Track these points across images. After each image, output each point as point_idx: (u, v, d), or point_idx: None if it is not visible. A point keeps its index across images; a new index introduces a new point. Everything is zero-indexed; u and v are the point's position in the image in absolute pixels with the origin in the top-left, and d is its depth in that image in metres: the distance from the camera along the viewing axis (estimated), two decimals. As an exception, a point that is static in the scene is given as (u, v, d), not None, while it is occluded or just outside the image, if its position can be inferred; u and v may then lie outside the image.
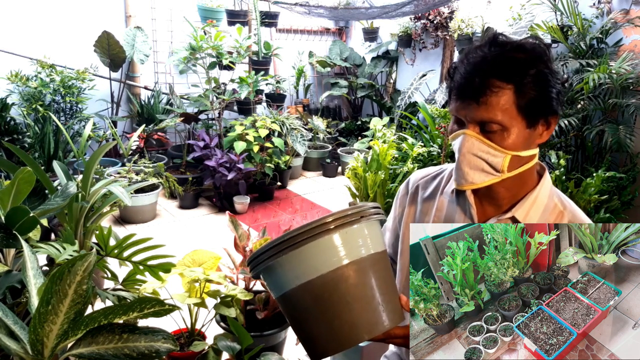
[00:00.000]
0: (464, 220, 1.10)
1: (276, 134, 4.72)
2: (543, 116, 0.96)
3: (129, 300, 1.17)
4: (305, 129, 5.10)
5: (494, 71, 0.92)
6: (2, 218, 1.37)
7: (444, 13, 5.06)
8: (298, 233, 0.81)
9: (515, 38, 0.98)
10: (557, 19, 3.74)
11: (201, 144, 4.38)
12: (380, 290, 0.86)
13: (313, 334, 0.86)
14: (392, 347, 1.34)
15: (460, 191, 1.11)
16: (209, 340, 2.04)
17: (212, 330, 2.13)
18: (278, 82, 4.94)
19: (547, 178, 1.07)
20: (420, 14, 5.17)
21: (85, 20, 4.65)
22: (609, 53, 3.46)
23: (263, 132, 4.34)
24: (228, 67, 4.48)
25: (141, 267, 1.74)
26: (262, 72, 4.74)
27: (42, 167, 3.16)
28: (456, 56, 5.19)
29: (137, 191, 3.83)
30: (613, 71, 3.10)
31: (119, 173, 3.82)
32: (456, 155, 1.00)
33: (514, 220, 1.03)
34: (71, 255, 1.58)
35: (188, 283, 1.97)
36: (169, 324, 2.06)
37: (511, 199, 1.05)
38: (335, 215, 0.83)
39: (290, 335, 2.29)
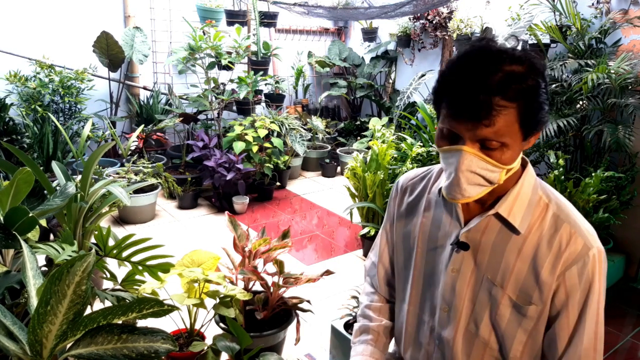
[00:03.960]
0: (450, 220, 1.11)
1: (275, 134, 4.72)
2: (536, 128, 0.95)
3: (128, 301, 1.17)
4: (305, 129, 5.10)
5: (497, 90, 0.87)
6: (1, 218, 1.37)
7: (443, 13, 5.06)
8: None
9: (506, 45, 0.97)
10: (555, 19, 3.74)
11: (200, 144, 4.38)
12: None
13: None
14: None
15: None
16: (208, 341, 2.04)
17: (211, 331, 2.13)
18: (277, 82, 4.94)
19: (529, 170, 1.06)
20: (419, 14, 5.17)
21: (84, 20, 4.65)
22: (608, 53, 3.46)
23: (262, 132, 4.34)
24: (227, 67, 4.48)
25: (140, 268, 1.74)
26: (261, 72, 4.74)
27: (41, 168, 3.16)
28: (455, 56, 5.19)
29: (136, 191, 3.83)
30: (612, 71, 3.10)
31: (118, 173, 3.82)
32: (450, 171, 0.97)
33: (498, 216, 1.03)
34: (70, 256, 1.58)
35: (187, 283, 1.97)
36: (168, 324, 2.05)
37: (495, 196, 1.05)
38: None
39: (289, 335, 2.29)
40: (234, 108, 4.81)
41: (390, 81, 6.04)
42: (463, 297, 1.08)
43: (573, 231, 0.99)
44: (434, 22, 5.16)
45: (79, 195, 2.15)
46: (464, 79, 0.89)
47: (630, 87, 3.25)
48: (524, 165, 1.06)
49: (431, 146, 3.70)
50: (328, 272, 2.15)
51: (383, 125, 5.21)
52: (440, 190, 1.12)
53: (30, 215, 1.34)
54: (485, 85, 0.87)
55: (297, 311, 2.17)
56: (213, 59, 4.44)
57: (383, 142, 3.64)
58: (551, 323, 1.02)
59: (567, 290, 0.98)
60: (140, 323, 1.43)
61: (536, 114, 0.92)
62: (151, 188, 3.99)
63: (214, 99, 4.57)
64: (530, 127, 0.93)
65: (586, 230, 1.00)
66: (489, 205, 1.06)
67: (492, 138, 0.90)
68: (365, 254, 3.62)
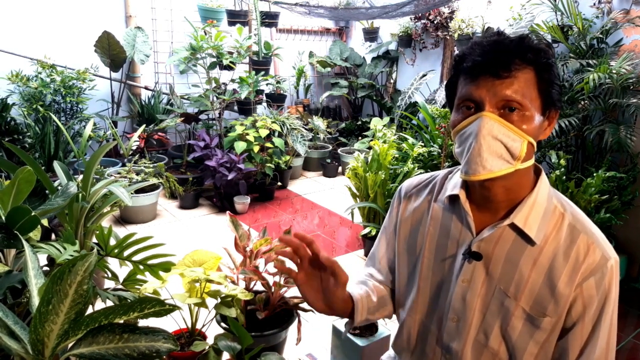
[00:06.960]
0: (461, 229, 1.06)
1: (276, 134, 4.72)
2: (553, 106, 0.96)
3: (129, 300, 1.17)
4: (306, 129, 5.10)
5: (516, 52, 0.91)
6: (3, 218, 1.38)
7: (444, 13, 5.06)
8: None
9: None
10: (557, 19, 3.74)
11: (201, 144, 4.39)
12: None
13: None
14: (390, 350, 1.34)
15: (454, 199, 1.08)
16: (210, 340, 2.04)
17: (213, 330, 2.13)
18: (278, 82, 4.95)
19: (544, 179, 1.03)
20: (420, 14, 5.17)
21: (86, 20, 4.65)
22: (610, 53, 3.46)
23: (263, 132, 4.34)
24: (228, 67, 4.48)
25: (141, 267, 1.74)
26: (262, 72, 4.74)
27: (43, 167, 3.17)
28: (456, 56, 5.18)
29: (138, 191, 3.83)
30: (613, 71, 3.10)
31: (119, 173, 3.82)
32: (469, 143, 0.93)
33: (514, 226, 0.99)
34: (72, 256, 1.58)
35: (188, 283, 1.97)
36: (170, 324, 2.05)
37: (508, 203, 1.01)
38: None
39: (290, 335, 2.29)
40: (235, 108, 4.81)
41: (392, 81, 6.04)
42: (473, 307, 1.04)
43: (591, 242, 0.96)
44: (435, 22, 5.16)
45: (80, 195, 2.15)
46: (483, 45, 0.93)
47: (631, 87, 3.24)
48: (537, 174, 1.03)
49: (432, 146, 3.70)
50: (329, 272, 2.14)
51: (384, 125, 5.21)
52: (447, 198, 1.09)
53: (32, 214, 1.35)
54: (504, 46, 0.92)
55: (299, 311, 2.16)
56: (214, 59, 4.44)
57: (384, 142, 3.64)
58: (564, 334, 0.99)
59: (585, 302, 0.96)
60: (142, 323, 1.43)
61: (552, 86, 0.94)
62: (152, 188, 4.00)
63: (215, 98, 4.57)
64: (548, 98, 0.94)
65: (603, 241, 0.98)
66: (502, 216, 1.02)
67: (512, 97, 0.90)
68: (367, 254, 3.62)
